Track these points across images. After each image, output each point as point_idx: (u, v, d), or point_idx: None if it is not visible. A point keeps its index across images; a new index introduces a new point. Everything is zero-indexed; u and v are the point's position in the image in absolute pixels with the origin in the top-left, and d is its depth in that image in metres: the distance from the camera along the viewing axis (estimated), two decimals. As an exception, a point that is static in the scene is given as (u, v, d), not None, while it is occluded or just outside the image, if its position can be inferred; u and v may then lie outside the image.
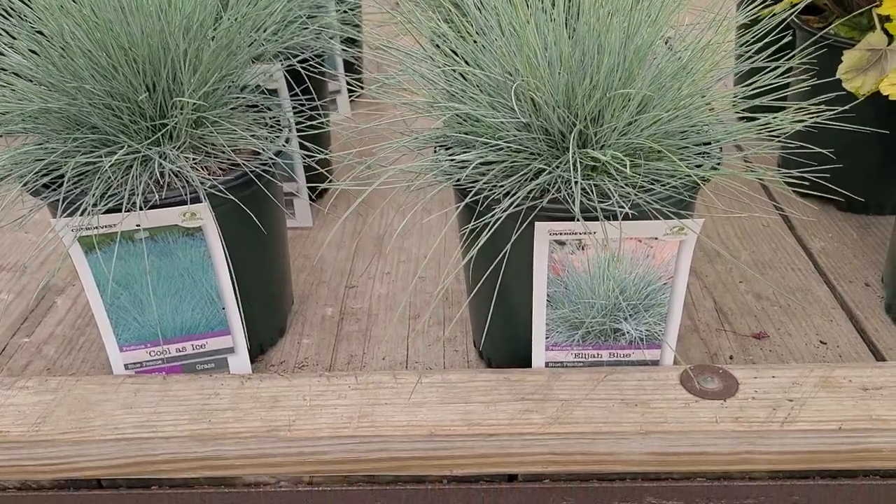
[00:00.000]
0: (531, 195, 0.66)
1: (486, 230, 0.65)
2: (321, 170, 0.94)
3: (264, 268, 0.83)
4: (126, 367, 0.78)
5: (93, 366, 0.85)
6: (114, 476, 0.71)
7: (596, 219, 0.63)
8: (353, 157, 0.77)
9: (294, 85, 0.93)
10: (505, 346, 0.80)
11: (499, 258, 0.68)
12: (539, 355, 0.75)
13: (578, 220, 0.60)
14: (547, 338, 0.74)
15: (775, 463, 0.68)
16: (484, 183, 0.66)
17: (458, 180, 0.68)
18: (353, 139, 0.94)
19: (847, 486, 0.70)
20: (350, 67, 1.32)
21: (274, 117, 0.83)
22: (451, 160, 0.66)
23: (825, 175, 0.81)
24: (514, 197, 0.64)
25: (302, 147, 0.88)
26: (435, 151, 0.74)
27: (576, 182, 0.60)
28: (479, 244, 0.73)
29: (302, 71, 0.92)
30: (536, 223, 0.65)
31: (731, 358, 0.82)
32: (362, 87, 1.15)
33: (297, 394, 0.73)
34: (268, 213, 0.79)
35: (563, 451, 0.68)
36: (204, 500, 0.72)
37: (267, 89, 0.96)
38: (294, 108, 0.92)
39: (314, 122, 0.85)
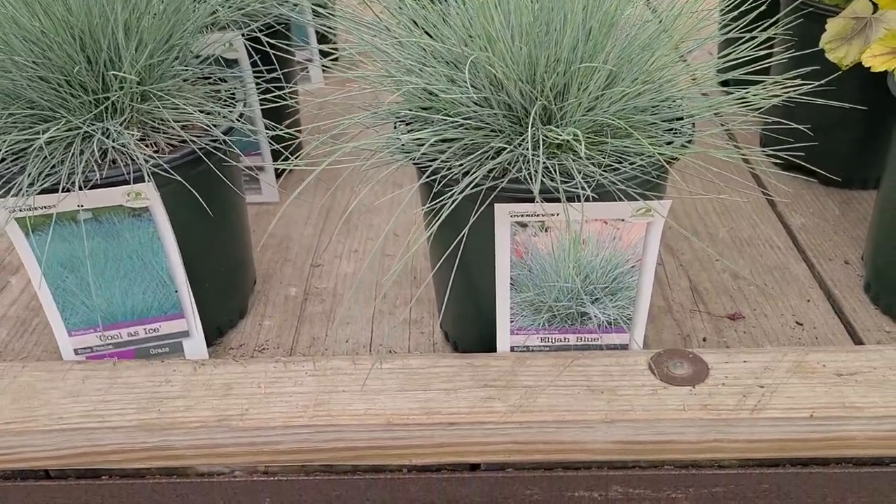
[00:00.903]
0: (492, 174, 0.63)
1: (444, 210, 0.61)
2: (277, 145, 0.90)
3: (220, 248, 0.79)
4: (76, 352, 0.75)
5: (45, 349, 0.82)
6: (61, 467, 0.68)
7: (559, 200, 0.60)
8: (317, 133, 0.74)
9: (257, 56, 0.89)
10: (471, 329, 0.77)
11: (458, 240, 0.65)
12: (504, 340, 0.72)
13: (538, 201, 0.57)
14: (512, 321, 0.71)
15: (745, 451, 0.66)
16: (441, 161, 0.62)
17: (416, 158, 0.64)
18: (321, 113, 0.91)
19: (819, 474, 0.67)
20: (325, 39, 1.28)
21: (230, 90, 0.79)
22: (408, 136, 0.62)
23: (807, 150, 0.78)
24: (473, 176, 0.60)
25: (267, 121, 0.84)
26: (395, 127, 0.70)
27: (535, 160, 0.57)
28: (437, 225, 0.70)
29: (265, 41, 0.88)
30: (496, 204, 0.61)
31: (704, 340, 0.80)
32: (335, 60, 1.11)
33: (252, 381, 0.70)
34: (222, 191, 0.76)
35: (526, 441, 0.66)
36: (155, 490, 0.69)
37: (226, 60, 0.92)
38: (258, 81, 0.88)
39: (274, 95, 0.81)
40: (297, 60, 1.17)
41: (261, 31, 0.88)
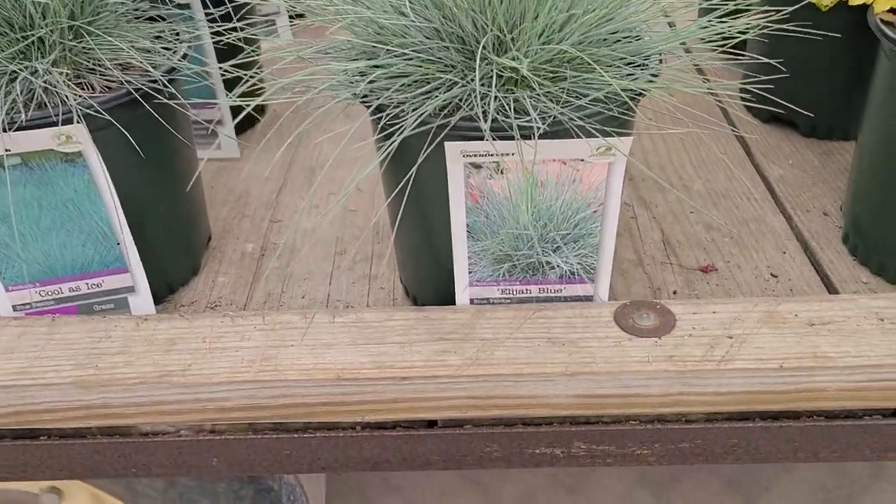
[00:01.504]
0: (444, 112, 0.59)
1: (390, 149, 0.58)
2: (238, 100, 0.86)
3: (167, 201, 0.75)
4: (14, 308, 0.71)
5: (-13, 308, 0.78)
6: (-4, 426, 0.65)
7: (513, 138, 0.56)
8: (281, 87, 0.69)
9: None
10: (430, 283, 0.74)
11: (410, 182, 0.61)
12: (462, 292, 0.69)
13: (488, 138, 0.53)
14: (470, 273, 0.67)
15: (712, 404, 0.63)
16: (388, 97, 0.58)
17: (359, 93, 0.60)
18: (289, 67, 0.86)
19: (789, 427, 0.65)
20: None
21: (175, 30, 0.75)
22: (340, 66, 0.58)
23: (787, 100, 0.75)
24: (422, 112, 0.57)
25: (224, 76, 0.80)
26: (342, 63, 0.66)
27: (482, 96, 0.53)
28: (391, 171, 0.67)
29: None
30: (446, 143, 0.58)
31: (674, 293, 0.77)
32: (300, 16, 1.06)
33: (197, 336, 0.66)
34: (167, 139, 0.72)
35: (483, 395, 0.63)
36: (96, 450, 0.66)
37: (179, 5, 0.88)
38: (213, 26, 0.83)
39: (226, 41, 0.77)
40: (267, 13, 1.12)
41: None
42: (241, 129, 1.05)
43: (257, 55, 1.02)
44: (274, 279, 0.81)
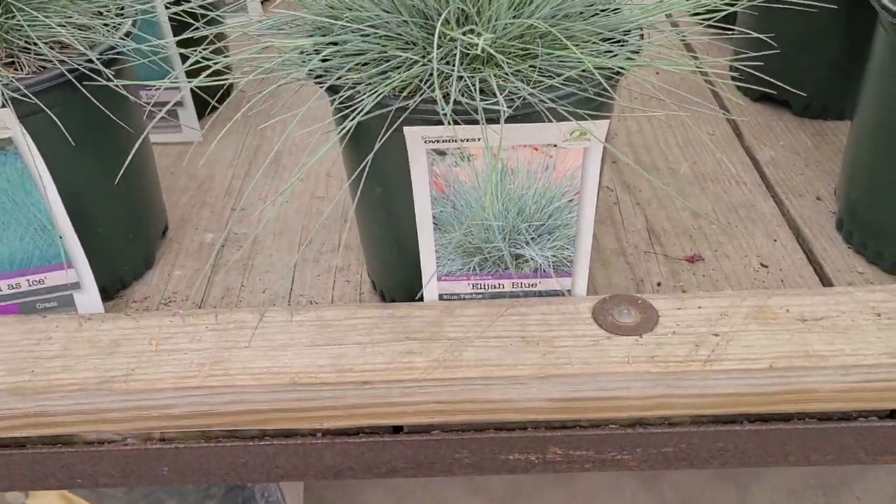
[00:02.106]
0: (405, 94, 0.54)
1: (343, 133, 0.53)
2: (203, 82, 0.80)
3: (115, 190, 0.70)
4: (-51, 307, 0.66)
5: (-74, 306, 0.73)
6: (-74, 437, 0.60)
7: (479, 122, 0.51)
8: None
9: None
10: (397, 277, 0.69)
11: (366, 168, 0.56)
12: (430, 287, 0.64)
13: (449, 123, 0.48)
14: (438, 267, 0.63)
15: (697, 407, 0.59)
16: (344, 78, 0.53)
17: (320, 76, 0.55)
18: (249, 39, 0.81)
19: (779, 430, 0.61)
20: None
21: (119, 5, 0.69)
22: (288, 42, 0.53)
23: (779, 78, 0.70)
24: (378, 94, 0.51)
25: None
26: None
27: (445, 76, 0.48)
28: (351, 157, 0.62)
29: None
30: (405, 128, 0.53)
31: (658, 285, 0.72)
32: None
33: (144, 337, 0.62)
34: (109, 124, 0.66)
35: (450, 399, 0.58)
36: (37, 461, 0.62)
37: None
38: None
39: (179, 9, 0.71)
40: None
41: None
42: (205, 110, 0.99)
43: (220, 31, 0.97)
44: (234, 272, 0.76)
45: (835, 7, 0.80)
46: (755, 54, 0.67)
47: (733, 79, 0.96)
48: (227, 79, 0.58)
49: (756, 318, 0.61)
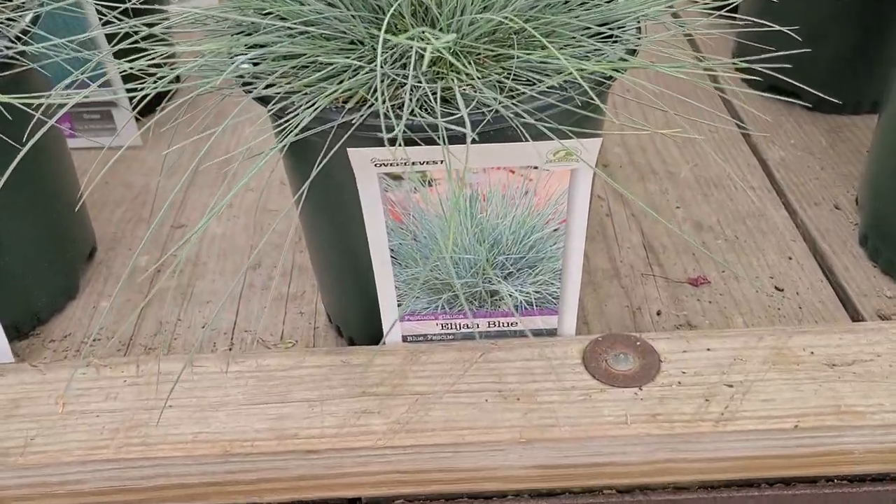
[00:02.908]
0: (351, 105, 0.44)
1: (280, 147, 0.43)
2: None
3: (25, 208, 0.60)
4: None
5: None
6: None
7: (439, 141, 0.41)
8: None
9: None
10: (355, 312, 0.59)
11: (312, 191, 0.46)
12: (391, 329, 0.54)
13: (398, 143, 0.38)
14: (400, 305, 0.53)
15: (708, 472, 0.50)
16: (273, 86, 0.43)
17: (248, 83, 0.45)
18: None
19: (805, 494, 0.51)
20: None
21: (21, -2, 0.58)
22: (203, 47, 0.43)
23: (788, 67, 0.60)
24: (314, 108, 0.41)
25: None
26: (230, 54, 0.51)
27: (391, 81, 0.38)
28: (291, 165, 0.52)
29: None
30: (349, 149, 0.42)
31: (658, 314, 0.63)
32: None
33: (51, 394, 0.52)
34: (13, 130, 0.56)
35: (415, 469, 0.49)
36: (-76, 545, 0.52)
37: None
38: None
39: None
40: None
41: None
42: (147, 109, 0.88)
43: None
44: (170, 302, 0.66)
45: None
46: (764, 33, 0.57)
47: (736, 69, 0.86)
48: (155, 85, 0.48)
49: (776, 362, 0.51)
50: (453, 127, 0.38)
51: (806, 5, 0.79)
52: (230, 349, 0.61)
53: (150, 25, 0.50)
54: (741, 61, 0.56)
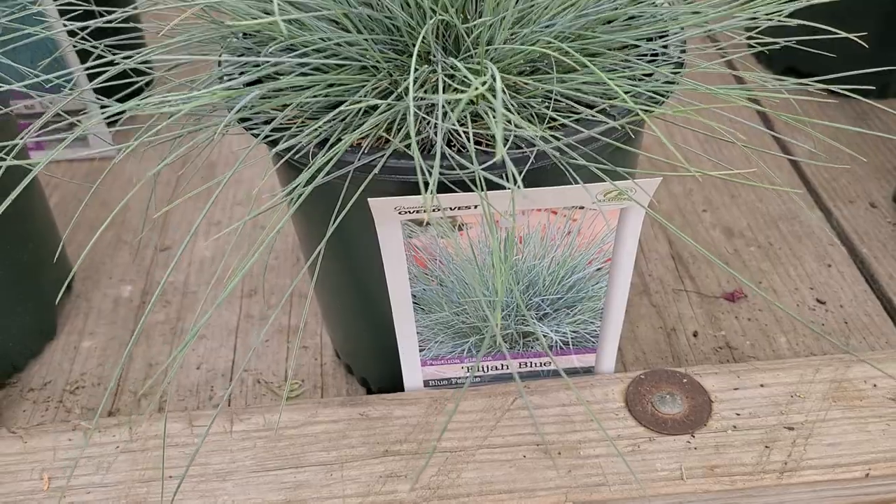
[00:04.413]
0: (369, 144, 0.38)
1: (297, 196, 0.37)
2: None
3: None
4: None
5: None
6: None
7: (473, 183, 0.35)
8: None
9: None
10: (369, 350, 0.54)
11: (325, 234, 0.40)
12: (412, 374, 0.49)
13: (432, 194, 0.32)
14: (423, 350, 0.47)
15: (768, 525, 0.46)
16: (284, 124, 0.37)
17: (247, 118, 0.39)
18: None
19: (868, 539, 0.47)
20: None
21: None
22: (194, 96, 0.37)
23: (809, 45, 0.55)
24: (332, 157, 0.35)
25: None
26: (220, 65, 0.45)
27: (406, 112, 0.32)
28: (301, 213, 0.46)
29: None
30: (370, 200, 0.37)
31: (695, 335, 0.58)
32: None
33: (34, 468, 0.46)
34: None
35: (449, 539, 0.44)
36: None
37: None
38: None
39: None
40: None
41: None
42: (119, 115, 0.81)
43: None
44: (159, 339, 0.60)
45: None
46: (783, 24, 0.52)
47: (750, 46, 0.81)
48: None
49: (837, 398, 0.47)
50: (494, 178, 0.32)
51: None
52: (230, 395, 0.56)
53: (127, 48, 0.43)
54: (758, 43, 0.51)
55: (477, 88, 0.28)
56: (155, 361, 0.58)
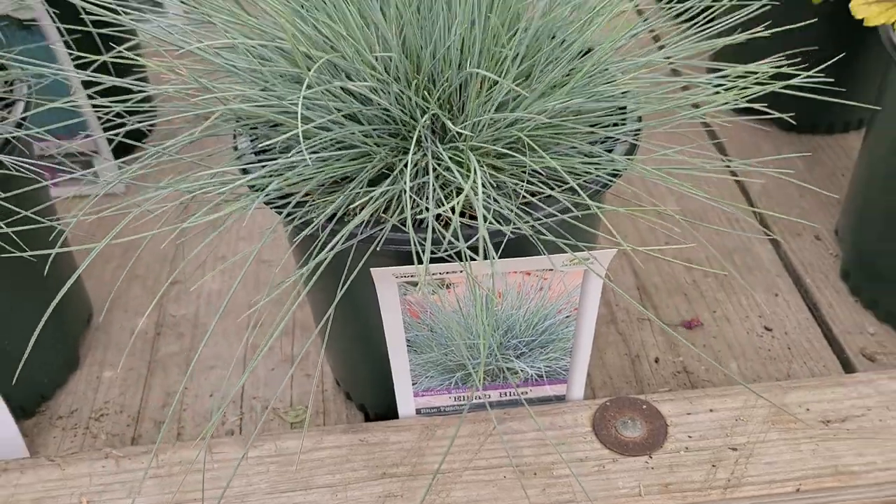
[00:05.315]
0: (368, 222, 0.44)
1: (319, 266, 0.43)
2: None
3: (22, 286, 0.59)
4: None
5: None
6: None
7: (456, 256, 0.42)
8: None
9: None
10: (366, 380, 0.60)
11: (335, 296, 0.47)
12: (406, 404, 0.55)
13: (424, 274, 0.39)
14: (415, 384, 0.54)
15: (715, 533, 0.53)
16: (298, 203, 0.44)
17: (264, 196, 0.45)
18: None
19: (802, 543, 0.55)
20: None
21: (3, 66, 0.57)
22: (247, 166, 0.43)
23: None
24: (343, 238, 0.42)
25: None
26: (235, 139, 0.51)
27: (402, 194, 0.38)
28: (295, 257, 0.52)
29: None
30: (373, 269, 0.43)
31: (656, 361, 0.65)
32: None
33: (73, 492, 0.52)
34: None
35: (440, 550, 0.51)
36: None
37: (24, 22, 0.69)
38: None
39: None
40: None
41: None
42: (123, 151, 0.87)
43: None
44: (174, 369, 0.66)
45: (822, 13, 0.72)
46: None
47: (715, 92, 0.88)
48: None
49: (775, 422, 0.54)
50: (475, 256, 0.39)
51: (776, 23, 0.80)
52: (241, 420, 0.62)
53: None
54: (717, 76, 0.57)
55: (464, 186, 0.35)
56: (171, 390, 0.65)
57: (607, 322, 0.68)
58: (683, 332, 0.67)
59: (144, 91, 0.51)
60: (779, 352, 0.65)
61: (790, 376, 0.64)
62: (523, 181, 0.44)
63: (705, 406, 0.55)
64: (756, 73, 0.50)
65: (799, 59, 0.60)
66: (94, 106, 0.52)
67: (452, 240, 0.41)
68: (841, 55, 0.65)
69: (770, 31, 0.57)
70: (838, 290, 0.70)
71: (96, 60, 0.52)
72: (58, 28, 0.69)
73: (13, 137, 0.54)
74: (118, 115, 0.54)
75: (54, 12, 0.68)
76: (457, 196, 0.43)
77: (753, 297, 0.70)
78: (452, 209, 0.36)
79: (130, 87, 0.49)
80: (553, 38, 0.47)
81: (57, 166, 0.81)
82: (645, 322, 0.68)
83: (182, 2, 0.51)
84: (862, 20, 0.57)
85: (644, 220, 0.77)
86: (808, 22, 0.74)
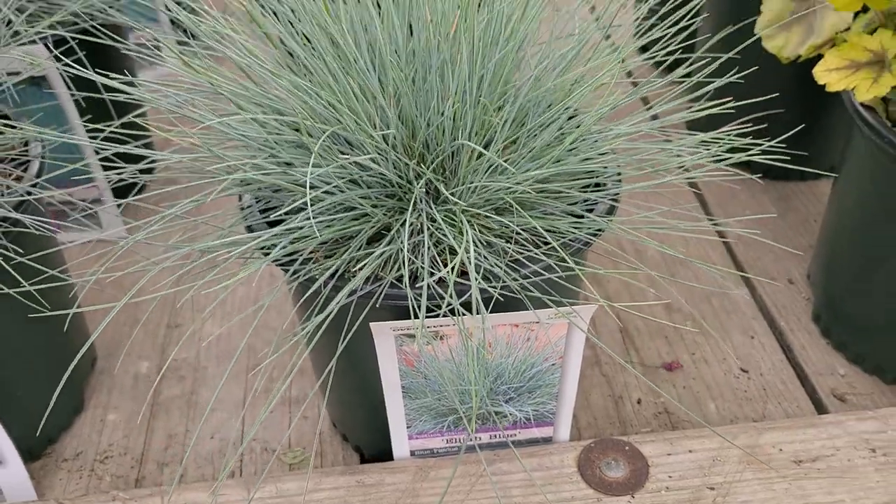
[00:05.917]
0: (368, 278, 0.47)
1: (322, 320, 0.46)
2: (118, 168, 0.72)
3: (29, 333, 0.62)
4: None
5: None
6: None
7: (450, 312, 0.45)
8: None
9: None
10: (362, 424, 0.63)
11: (335, 349, 0.50)
12: (401, 446, 0.58)
13: (421, 328, 0.42)
14: (409, 427, 0.57)
15: (694, 569, 0.56)
16: (299, 262, 0.47)
17: (269, 256, 0.48)
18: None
19: (778, 578, 0.58)
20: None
21: (15, 126, 0.60)
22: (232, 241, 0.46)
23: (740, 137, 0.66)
24: (346, 295, 0.45)
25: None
26: (240, 203, 0.54)
27: (412, 255, 0.42)
28: (299, 309, 0.55)
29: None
30: (372, 324, 0.46)
31: (638, 403, 0.68)
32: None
33: (81, 534, 0.54)
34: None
35: (434, 587, 0.53)
36: None
37: (35, 80, 0.72)
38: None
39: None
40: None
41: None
42: (124, 196, 0.90)
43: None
44: (176, 412, 0.69)
45: (791, 67, 0.76)
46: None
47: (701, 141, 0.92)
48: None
49: (750, 462, 0.57)
50: (466, 312, 0.42)
51: (752, 78, 0.85)
52: (241, 461, 0.65)
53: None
54: (696, 141, 0.61)
55: (457, 248, 0.38)
56: (174, 432, 0.67)
57: (592, 364, 0.71)
58: (664, 374, 0.70)
59: (156, 160, 0.54)
60: (755, 392, 0.69)
61: (765, 416, 0.67)
62: (511, 240, 0.47)
63: (685, 447, 0.59)
64: (730, 134, 0.54)
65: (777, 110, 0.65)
66: (105, 168, 0.56)
67: (450, 299, 0.44)
68: (802, 126, 0.70)
69: (736, 105, 0.61)
70: (810, 332, 0.73)
71: (107, 128, 0.55)
72: (69, 90, 0.72)
73: (27, 194, 0.57)
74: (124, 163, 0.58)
75: (67, 74, 0.71)
76: (449, 253, 0.47)
77: (730, 339, 0.73)
78: (449, 267, 0.39)
79: (142, 154, 0.52)
80: (539, 104, 0.51)
81: (65, 211, 0.84)
82: (628, 364, 0.71)
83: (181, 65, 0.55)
84: (824, 85, 0.61)
85: (628, 265, 0.81)
86: (782, 81, 0.79)
